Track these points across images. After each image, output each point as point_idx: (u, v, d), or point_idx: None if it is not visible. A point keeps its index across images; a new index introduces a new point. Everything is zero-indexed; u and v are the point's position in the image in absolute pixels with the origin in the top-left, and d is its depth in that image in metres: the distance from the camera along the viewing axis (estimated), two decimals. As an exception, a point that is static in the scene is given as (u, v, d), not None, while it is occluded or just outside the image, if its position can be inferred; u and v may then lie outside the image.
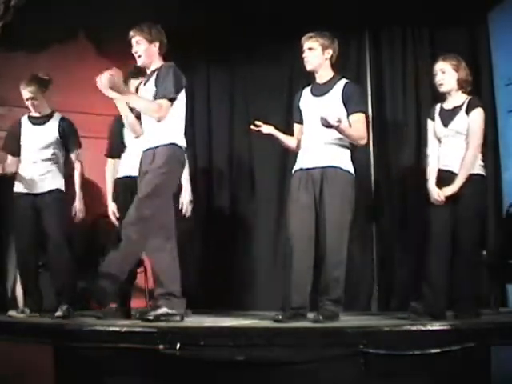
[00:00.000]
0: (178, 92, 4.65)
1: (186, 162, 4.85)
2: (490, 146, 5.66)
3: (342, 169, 4.65)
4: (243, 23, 6.53)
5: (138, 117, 4.81)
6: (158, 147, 4.55)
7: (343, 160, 4.68)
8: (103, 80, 4.48)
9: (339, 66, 6.23)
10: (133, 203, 4.50)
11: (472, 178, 4.57)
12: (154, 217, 4.46)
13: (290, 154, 5.43)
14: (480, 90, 5.75)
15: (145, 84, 4.78)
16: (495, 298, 4.99)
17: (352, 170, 4.72)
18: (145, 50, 4.71)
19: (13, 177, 5.47)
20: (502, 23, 5.67)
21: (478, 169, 4.64)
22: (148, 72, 4.79)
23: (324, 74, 4.85)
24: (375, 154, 6.06)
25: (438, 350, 3.55)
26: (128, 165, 5.26)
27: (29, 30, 5.93)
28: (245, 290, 6.27)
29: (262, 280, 6.27)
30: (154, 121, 4.58)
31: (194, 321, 4.77)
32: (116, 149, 5.45)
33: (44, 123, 5.46)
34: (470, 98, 4.72)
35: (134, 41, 4.75)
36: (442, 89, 4.76)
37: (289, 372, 3.65)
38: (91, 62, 6.63)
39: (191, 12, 6.39)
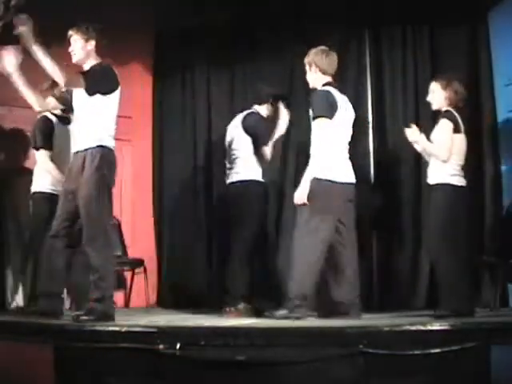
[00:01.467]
0: (108, 92, 4.66)
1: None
2: (491, 146, 5.68)
3: None
4: (243, 23, 6.54)
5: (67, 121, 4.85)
6: (87, 150, 4.55)
7: None
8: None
9: (339, 67, 6.28)
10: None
11: (436, 188, 4.76)
12: (97, 218, 4.50)
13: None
14: (480, 90, 5.76)
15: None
16: (495, 298, 4.99)
17: None
18: (80, 47, 4.72)
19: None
20: (502, 23, 5.68)
21: (446, 178, 4.74)
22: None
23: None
24: (375, 154, 6.07)
25: (438, 350, 3.55)
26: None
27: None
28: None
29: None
30: (84, 123, 4.61)
31: (194, 321, 4.77)
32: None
33: None
34: (445, 109, 4.86)
35: (71, 40, 4.75)
36: (433, 107, 4.97)
37: (289, 372, 3.64)
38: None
39: (191, 12, 6.40)
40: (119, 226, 6.60)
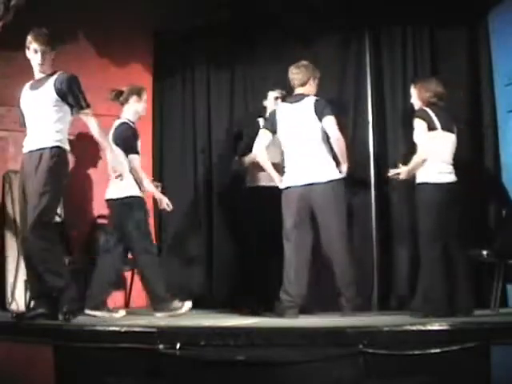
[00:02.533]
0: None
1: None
2: (491, 146, 5.68)
3: None
4: (243, 23, 6.54)
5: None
6: (44, 149, 4.64)
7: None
8: None
9: (339, 67, 6.29)
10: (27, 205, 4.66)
11: (419, 187, 4.88)
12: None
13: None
14: (480, 90, 5.76)
15: (35, 88, 4.79)
16: (495, 298, 4.98)
17: None
18: (48, 59, 4.77)
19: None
20: (502, 23, 5.67)
21: (430, 177, 4.81)
22: (38, 76, 4.81)
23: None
24: (375, 153, 6.06)
25: (438, 350, 3.55)
26: None
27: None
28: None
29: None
30: (40, 123, 4.70)
31: (194, 321, 4.77)
32: None
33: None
34: (417, 109, 4.99)
35: (39, 53, 4.74)
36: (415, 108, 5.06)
37: (289, 372, 3.65)
38: (91, 61, 6.63)
39: (191, 12, 6.39)
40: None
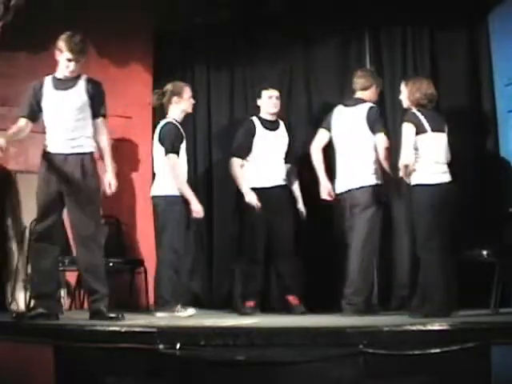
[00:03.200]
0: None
1: None
2: (491, 146, 5.68)
3: None
4: (243, 23, 6.53)
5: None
6: (84, 154, 4.81)
7: None
8: None
9: (339, 67, 6.28)
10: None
11: (413, 189, 4.89)
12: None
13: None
14: (480, 90, 5.76)
15: (63, 88, 4.84)
16: (495, 298, 4.98)
17: None
18: (79, 65, 4.83)
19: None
20: (502, 23, 5.68)
21: (423, 178, 4.83)
22: (61, 76, 4.86)
23: None
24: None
25: (438, 350, 3.55)
26: None
27: (29, 30, 5.92)
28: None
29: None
30: (70, 124, 4.80)
31: (194, 321, 4.77)
32: None
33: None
34: (409, 111, 4.99)
35: (72, 62, 4.78)
36: (403, 106, 5.12)
37: (289, 372, 3.65)
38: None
39: (191, 12, 6.39)
40: (119, 225, 6.60)
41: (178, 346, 3.72)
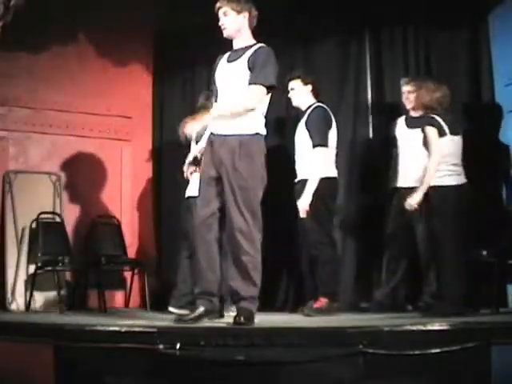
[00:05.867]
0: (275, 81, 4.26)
1: None
2: (491, 146, 5.68)
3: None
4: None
5: None
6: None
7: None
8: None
9: (339, 67, 6.28)
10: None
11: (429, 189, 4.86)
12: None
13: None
14: (480, 91, 5.76)
15: (231, 60, 4.39)
16: (495, 298, 4.99)
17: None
18: (232, 21, 4.35)
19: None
20: (502, 23, 5.68)
21: (437, 180, 4.83)
22: (235, 47, 4.42)
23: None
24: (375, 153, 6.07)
25: (438, 350, 3.55)
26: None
27: (29, 30, 5.93)
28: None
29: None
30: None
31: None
32: None
33: None
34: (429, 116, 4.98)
35: (220, 12, 4.37)
36: (407, 107, 5.32)
37: (289, 372, 3.64)
38: (91, 62, 6.64)
39: (191, 12, 6.39)
40: (119, 226, 6.61)
41: (178, 346, 3.71)
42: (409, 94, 5.38)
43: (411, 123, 5.39)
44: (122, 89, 6.61)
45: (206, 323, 4.24)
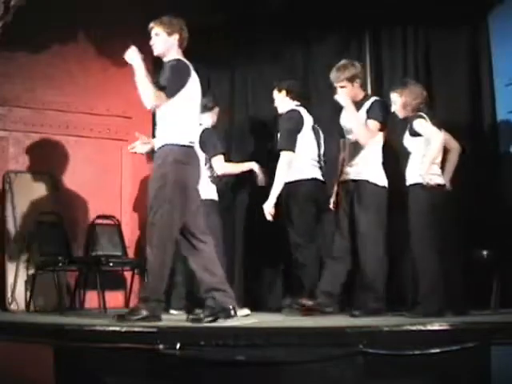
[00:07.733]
0: (178, 90, 4.63)
1: None
2: (490, 147, 5.68)
3: None
4: (244, 23, 6.53)
5: None
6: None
7: None
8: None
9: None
10: None
11: (412, 188, 4.89)
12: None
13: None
14: (480, 91, 5.76)
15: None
16: (495, 298, 4.99)
17: None
18: (163, 41, 4.66)
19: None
20: (502, 23, 5.68)
21: (418, 178, 4.83)
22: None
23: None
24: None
25: (438, 350, 3.55)
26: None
27: (29, 29, 5.93)
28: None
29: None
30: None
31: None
32: None
33: None
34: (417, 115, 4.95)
35: (153, 32, 4.69)
36: (400, 116, 5.09)
37: (289, 372, 3.64)
38: (91, 62, 6.64)
39: (191, 12, 6.38)
40: (119, 225, 6.61)
41: (178, 345, 3.71)
42: (396, 102, 5.19)
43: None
44: (121, 89, 6.59)
45: (206, 323, 4.25)
